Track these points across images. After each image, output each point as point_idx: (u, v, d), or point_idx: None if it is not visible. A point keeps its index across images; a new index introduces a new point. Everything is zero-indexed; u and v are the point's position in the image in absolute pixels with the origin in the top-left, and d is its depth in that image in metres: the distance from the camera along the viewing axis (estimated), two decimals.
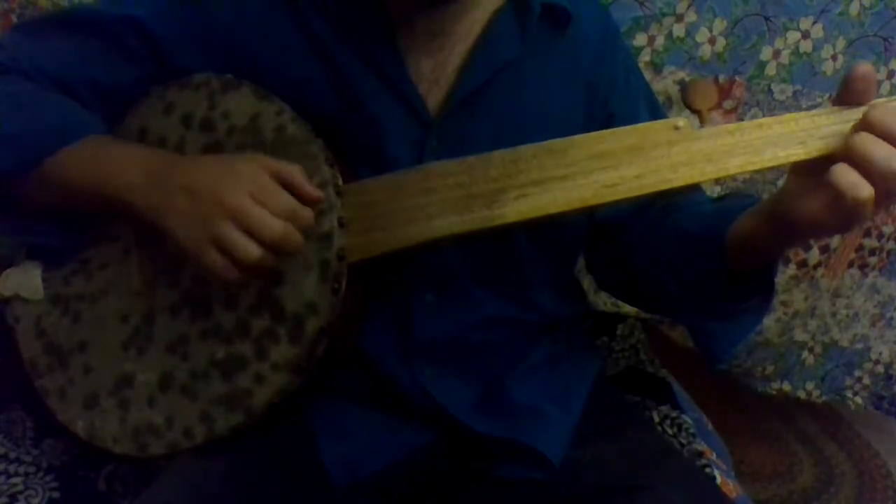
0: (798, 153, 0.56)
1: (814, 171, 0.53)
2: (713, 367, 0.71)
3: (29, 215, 0.66)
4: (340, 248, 0.59)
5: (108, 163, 0.61)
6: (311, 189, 0.58)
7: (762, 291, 0.63)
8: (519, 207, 0.60)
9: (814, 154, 0.55)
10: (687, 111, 0.63)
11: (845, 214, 0.51)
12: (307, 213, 0.57)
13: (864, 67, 0.53)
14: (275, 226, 0.55)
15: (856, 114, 0.55)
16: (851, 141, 0.51)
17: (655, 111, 0.77)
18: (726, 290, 0.62)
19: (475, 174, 0.61)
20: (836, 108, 0.56)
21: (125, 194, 0.60)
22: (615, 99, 0.73)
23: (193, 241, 0.56)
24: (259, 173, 0.57)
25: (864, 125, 0.51)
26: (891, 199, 0.52)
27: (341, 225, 0.60)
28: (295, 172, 0.58)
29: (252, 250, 0.55)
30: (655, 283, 0.70)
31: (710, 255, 0.62)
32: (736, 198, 0.67)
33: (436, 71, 0.67)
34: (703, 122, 0.59)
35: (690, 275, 0.66)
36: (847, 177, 0.50)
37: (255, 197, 0.55)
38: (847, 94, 0.55)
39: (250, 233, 0.55)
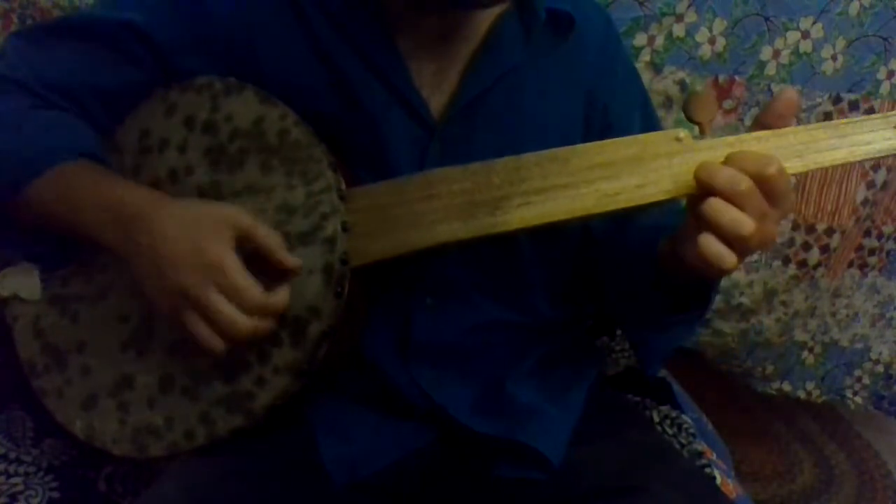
0: (796, 166, 0.57)
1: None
2: (646, 374, 0.75)
3: (22, 232, 0.65)
4: (343, 253, 0.60)
5: (78, 201, 0.61)
6: (286, 258, 0.58)
7: (697, 306, 0.64)
8: (522, 215, 0.60)
9: (811, 167, 0.57)
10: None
11: (717, 274, 0.55)
12: (279, 300, 0.57)
13: (791, 93, 0.56)
14: (241, 326, 0.56)
15: (852, 128, 0.57)
16: (702, 209, 0.53)
17: (649, 123, 0.78)
18: (658, 302, 0.64)
19: (478, 181, 0.61)
20: (831, 122, 0.58)
21: (97, 236, 0.60)
22: (614, 108, 0.74)
23: (166, 311, 0.58)
24: (228, 259, 0.56)
25: (714, 188, 0.53)
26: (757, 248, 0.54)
27: (344, 229, 0.60)
28: (271, 241, 0.58)
29: (216, 345, 0.56)
30: (597, 288, 0.74)
31: (643, 269, 0.64)
32: (675, 215, 0.68)
33: (438, 75, 0.67)
34: (703, 134, 0.60)
35: (625, 284, 0.69)
36: (712, 248, 0.52)
37: (223, 291, 0.55)
38: (768, 114, 0.57)
39: (217, 329, 0.55)
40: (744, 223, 0.52)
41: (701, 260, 0.53)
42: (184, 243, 0.56)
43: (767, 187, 0.53)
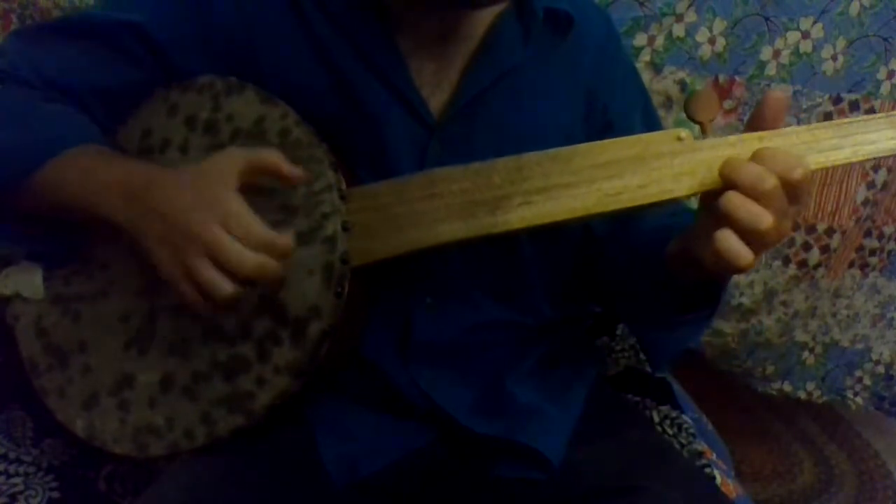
0: None
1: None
2: (654, 373, 0.74)
3: (24, 223, 0.65)
4: (344, 252, 0.60)
5: (89, 180, 0.60)
6: (290, 170, 0.58)
7: (707, 305, 0.64)
8: (523, 214, 0.60)
9: (814, 167, 0.56)
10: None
11: (732, 270, 0.54)
12: (284, 241, 0.56)
13: (777, 94, 0.55)
14: (248, 260, 0.54)
15: (855, 127, 0.57)
16: (719, 203, 0.52)
17: (650, 122, 0.78)
18: (667, 302, 0.64)
19: (479, 181, 0.61)
20: (834, 121, 0.58)
21: (108, 213, 0.59)
22: (614, 107, 0.74)
23: (169, 270, 0.56)
24: (232, 199, 0.55)
25: (737, 185, 0.53)
26: (775, 243, 0.54)
27: (345, 229, 0.60)
28: (271, 159, 0.58)
29: (224, 287, 0.54)
30: (599, 287, 0.74)
31: (650, 269, 0.64)
32: (683, 216, 0.68)
33: (438, 74, 0.67)
34: (704, 134, 0.60)
35: (632, 284, 0.69)
36: (728, 243, 0.52)
37: (228, 228, 0.54)
38: (759, 118, 0.56)
39: (224, 268, 0.54)
40: (762, 217, 0.51)
41: (716, 256, 0.52)
42: (190, 192, 0.56)
43: (791, 189, 0.52)
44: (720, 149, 0.57)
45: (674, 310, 0.64)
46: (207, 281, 0.54)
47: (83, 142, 0.63)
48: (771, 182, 0.52)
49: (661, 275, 0.63)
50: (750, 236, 0.52)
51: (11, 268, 0.70)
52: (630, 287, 0.71)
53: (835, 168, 1.16)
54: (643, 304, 0.70)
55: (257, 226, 0.55)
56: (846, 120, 0.58)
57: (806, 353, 1.35)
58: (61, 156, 0.61)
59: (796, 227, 1.22)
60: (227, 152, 0.59)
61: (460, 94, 0.67)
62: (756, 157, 0.54)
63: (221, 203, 0.55)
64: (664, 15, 1.03)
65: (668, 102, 1.08)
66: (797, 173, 0.52)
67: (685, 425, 0.91)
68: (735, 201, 0.52)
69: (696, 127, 0.60)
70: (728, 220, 0.52)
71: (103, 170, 0.61)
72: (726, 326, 1.27)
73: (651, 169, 0.59)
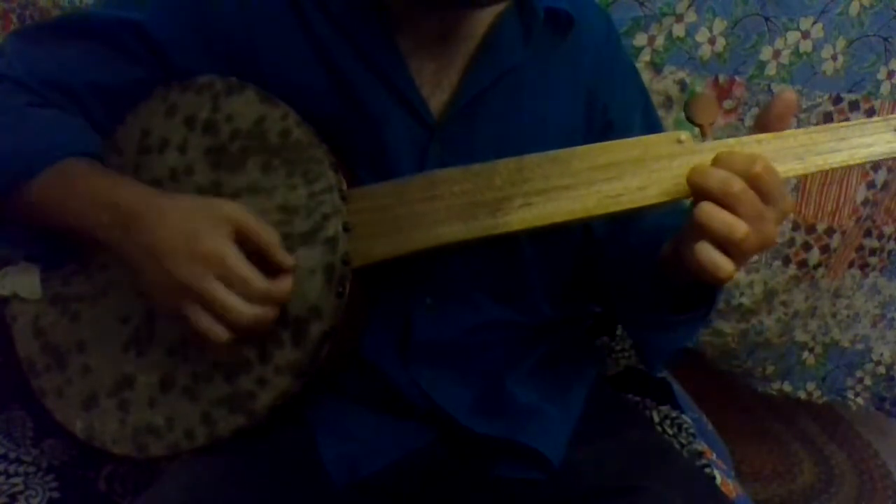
0: (796, 169, 0.58)
1: None
2: (649, 373, 0.74)
3: (22, 226, 0.65)
4: (345, 253, 0.60)
5: (76, 202, 0.60)
6: (281, 256, 0.58)
7: (701, 305, 0.64)
8: (523, 216, 0.60)
9: (811, 170, 0.58)
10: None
11: (715, 281, 0.54)
12: (282, 288, 0.57)
13: (789, 95, 0.56)
14: (245, 313, 0.55)
15: (852, 131, 0.58)
16: (694, 214, 0.53)
17: (650, 122, 0.78)
18: (661, 302, 0.64)
19: (480, 182, 0.61)
20: (832, 125, 0.58)
21: (96, 235, 0.60)
22: (614, 107, 0.74)
23: (167, 308, 0.58)
24: (227, 252, 0.56)
25: (706, 191, 0.53)
26: (756, 251, 0.54)
27: (346, 230, 0.60)
28: (267, 237, 0.58)
29: (220, 335, 0.56)
30: (599, 288, 0.75)
31: (645, 268, 0.64)
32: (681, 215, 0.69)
33: (438, 74, 0.67)
34: (704, 136, 0.60)
35: (628, 284, 0.69)
36: (707, 256, 0.52)
37: (224, 280, 0.55)
38: (767, 116, 0.57)
39: (221, 319, 0.55)
40: (735, 226, 0.52)
41: (698, 267, 0.53)
42: (181, 236, 0.56)
43: (758, 186, 0.53)
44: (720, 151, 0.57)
45: (669, 309, 0.64)
46: (204, 327, 0.56)
47: (75, 152, 0.63)
48: (738, 184, 0.52)
49: (656, 275, 0.63)
50: (727, 246, 0.52)
51: (9, 268, 0.70)
52: (629, 287, 0.71)
53: (834, 168, 1.15)
54: (638, 303, 0.70)
55: (253, 278, 0.56)
56: (844, 123, 0.58)
57: (806, 353, 1.35)
58: (50, 168, 0.61)
59: (796, 227, 1.22)
60: (227, 206, 0.59)
61: (460, 94, 0.67)
62: (716, 162, 0.55)
63: (214, 253, 0.55)
64: (664, 15, 1.03)
65: (668, 102, 1.08)
66: (758, 166, 0.52)
67: (685, 425, 0.91)
68: (709, 212, 0.52)
69: (697, 129, 0.61)
70: (704, 232, 0.52)
71: (88, 192, 0.60)
72: (726, 326, 1.27)
73: (651, 171, 0.59)
